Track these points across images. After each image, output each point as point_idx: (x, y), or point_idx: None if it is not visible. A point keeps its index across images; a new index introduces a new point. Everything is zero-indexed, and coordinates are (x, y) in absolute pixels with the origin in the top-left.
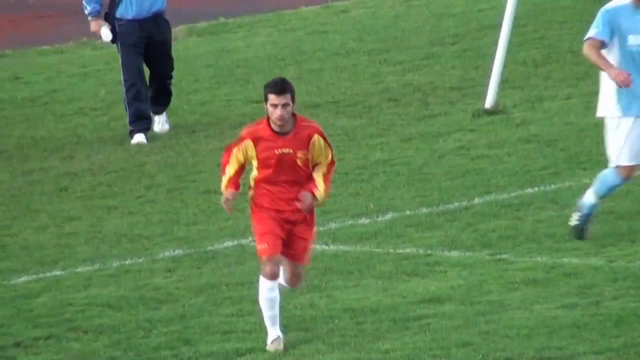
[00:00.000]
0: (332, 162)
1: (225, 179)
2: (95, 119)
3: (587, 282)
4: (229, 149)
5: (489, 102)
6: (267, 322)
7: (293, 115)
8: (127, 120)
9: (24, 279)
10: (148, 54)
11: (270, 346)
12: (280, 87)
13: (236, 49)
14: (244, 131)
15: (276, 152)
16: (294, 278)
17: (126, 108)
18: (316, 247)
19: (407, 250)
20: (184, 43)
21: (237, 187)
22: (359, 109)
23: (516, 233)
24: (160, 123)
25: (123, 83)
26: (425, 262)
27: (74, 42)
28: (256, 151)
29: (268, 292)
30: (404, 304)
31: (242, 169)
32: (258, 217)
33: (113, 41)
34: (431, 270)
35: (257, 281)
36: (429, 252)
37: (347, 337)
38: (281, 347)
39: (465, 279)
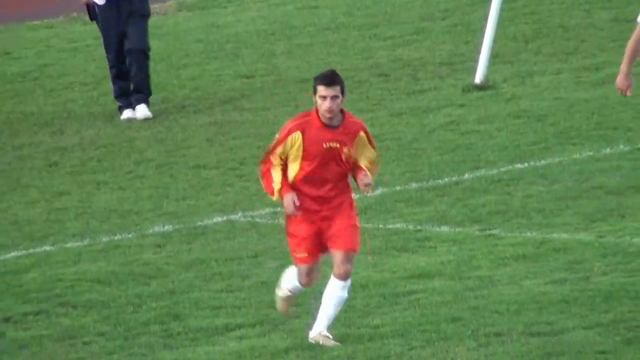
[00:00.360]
0: (372, 162)
1: (276, 186)
2: (85, 93)
3: (576, 257)
4: (267, 157)
5: (478, 77)
6: (283, 283)
7: (341, 110)
8: (113, 95)
9: (13, 254)
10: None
11: (281, 303)
12: (330, 78)
13: (226, 24)
14: (290, 124)
15: (324, 145)
16: (343, 266)
17: (112, 84)
18: None
19: (397, 225)
20: (173, 18)
21: (289, 188)
22: (348, 84)
23: (506, 208)
24: (141, 111)
25: (107, 61)
26: (415, 238)
27: (63, 17)
28: (304, 143)
29: (296, 289)
30: (394, 279)
31: (286, 168)
32: (294, 220)
33: (92, 19)
34: (421, 246)
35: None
36: (418, 227)
37: None
38: (290, 308)
39: (455, 255)
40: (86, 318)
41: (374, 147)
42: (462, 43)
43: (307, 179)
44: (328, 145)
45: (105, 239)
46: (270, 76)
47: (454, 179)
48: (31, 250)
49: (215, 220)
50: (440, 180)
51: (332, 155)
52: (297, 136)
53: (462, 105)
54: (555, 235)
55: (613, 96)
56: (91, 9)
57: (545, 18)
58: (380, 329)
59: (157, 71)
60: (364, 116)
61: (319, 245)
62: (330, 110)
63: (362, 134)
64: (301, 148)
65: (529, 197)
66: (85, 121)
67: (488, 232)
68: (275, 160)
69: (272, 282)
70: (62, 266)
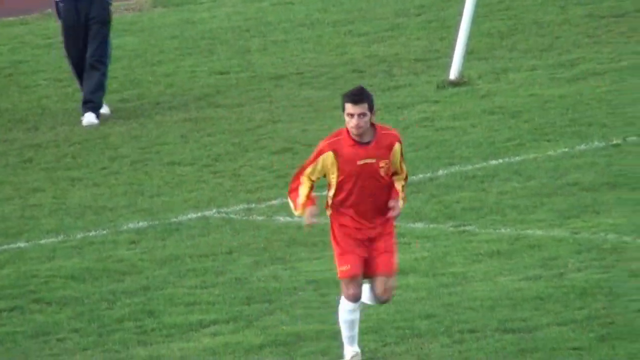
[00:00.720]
0: (406, 177)
1: (299, 200)
2: (60, 90)
3: (551, 254)
4: (297, 175)
5: (453, 74)
6: (345, 340)
7: (372, 124)
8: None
9: None
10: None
11: None
12: (357, 96)
13: (201, 20)
14: (322, 144)
15: (358, 162)
16: (386, 292)
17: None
18: (280, 219)
19: None
20: (149, 14)
21: (313, 201)
22: (323, 80)
23: (480, 205)
24: (87, 118)
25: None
26: None
27: (38, 14)
28: (337, 162)
29: (349, 314)
30: None
31: (313, 187)
32: (338, 235)
33: (60, 17)
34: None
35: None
36: None
37: (310, 309)
38: None
39: (429, 251)
40: (60, 314)
41: (403, 158)
42: (437, 39)
43: (349, 197)
44: (363, 162)
45: (79, 235)
46: (245, 72)
47: (429, 175)
48: (5, 247)
49: (189, 216)
50: (414, 177)
51: (369, 172)
52: (328, 156)
53: (436, 102)
54: (529, 231)
55: (588, 92)
56: (57, 7)
57: (520, 14)
58: None
59: (132, 67)
60: (339, 112)
61: (362, 260)
62: (357, 128)
63: (397, 145)
64: (336, 166)
65: (504, 194)
66: (59, 118)
67: (462, 228)
68: (303, 178)
69: (246, 279)
70: (36, 262)
